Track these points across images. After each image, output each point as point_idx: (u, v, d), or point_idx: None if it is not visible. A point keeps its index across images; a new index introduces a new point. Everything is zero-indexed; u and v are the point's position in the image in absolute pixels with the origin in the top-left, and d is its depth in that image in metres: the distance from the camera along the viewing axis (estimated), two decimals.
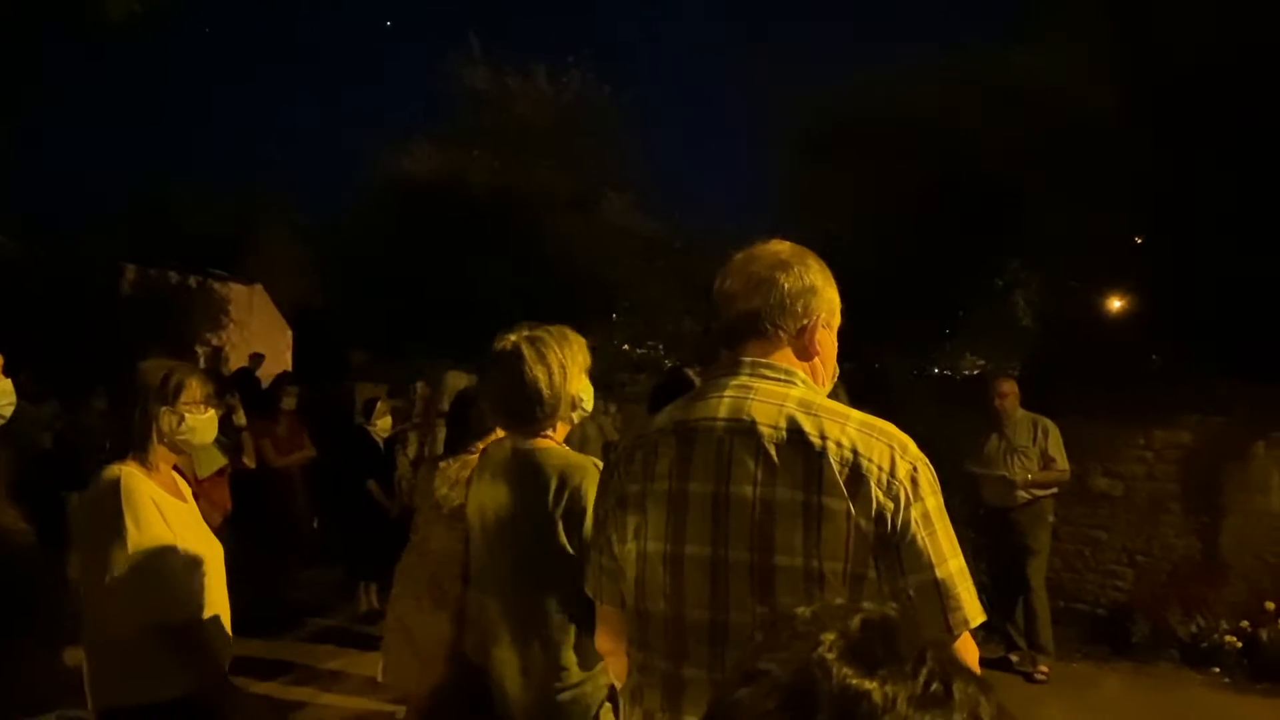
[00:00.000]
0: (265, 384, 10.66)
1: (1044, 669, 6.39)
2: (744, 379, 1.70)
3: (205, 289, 21.14)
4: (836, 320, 1.80)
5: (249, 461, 6.37)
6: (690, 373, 3.28)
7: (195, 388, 2.68)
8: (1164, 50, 8.10)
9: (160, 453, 2.62)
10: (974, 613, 1.55)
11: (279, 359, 21.71)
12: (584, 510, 2.30)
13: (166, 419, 2.61)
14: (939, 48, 10.40)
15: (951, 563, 1.55)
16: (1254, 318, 7.48)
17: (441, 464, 3.55)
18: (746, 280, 1.73)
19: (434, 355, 11.28)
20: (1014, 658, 6.44)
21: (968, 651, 1.59)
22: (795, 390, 1.67)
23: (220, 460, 5.72)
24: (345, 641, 6.81)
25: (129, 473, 2.51)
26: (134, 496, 2.46)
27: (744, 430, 1.62)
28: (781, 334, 1.71)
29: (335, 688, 6.01)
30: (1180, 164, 8.02)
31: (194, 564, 2.57)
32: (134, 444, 2.58)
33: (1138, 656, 6.71)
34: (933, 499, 1.57)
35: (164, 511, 2.51)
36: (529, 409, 2.43)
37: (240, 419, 6.27)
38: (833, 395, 1.81)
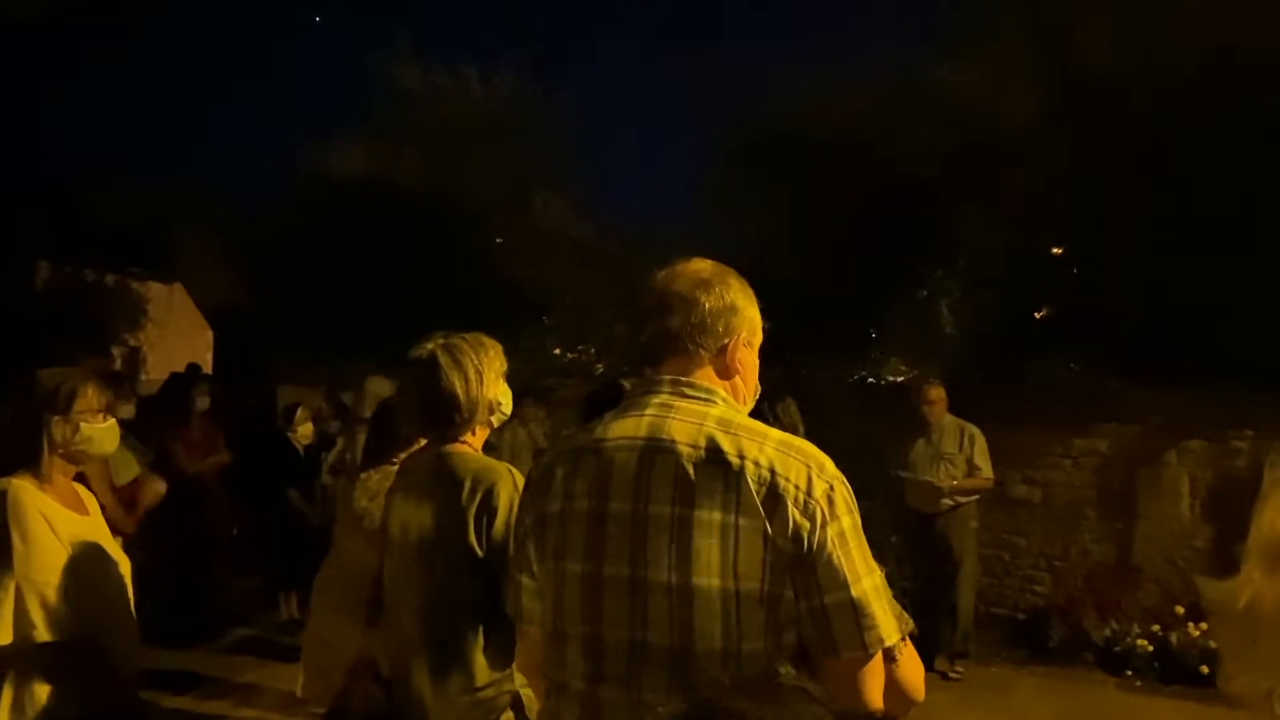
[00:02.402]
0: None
1: (959, 669, 6.52)
2: (665, 397, 1.70)
3: (123, 287, 20.53)
4: (758, 338, 1.80)
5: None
6: (626, 384, 3.27)
7: (92, 396, 2.59)
8: (1080, 64, 8.33)
9: (56, 464, 2.53)
10: (889, 630, 1.56)
11: (199, 360, 21.18)
12: (495, 511, 2.36)
13: (59, 429, 2.52)
14: (865, 59, 10.55)
15: (866, 581, 1.56)
16: (1167, 328, 7.70)
17: (361, 475, 3.49)
18: (668, 298, 1.73)
19: (360, 358, 11.09)
20: (937, 664, 6.54)
21: (911, 671, 1.62)
22: (715, 409, 1.67)
23: (136, 468, 5.53)
24: (264, 653, 6.67)
25: (18, 485, 2.42)
26: (20, 511, 2.37)
27: (663, 449, 1.62)
28: (702, 352, 1.71)
29: (253, 701, 5.88)
30: (1096, 176, 8.24)
31: (90, 579, 2.48)
32: (26, 455, 2.49)
33: (1055, 660, 6.86)
34: (848, 518, 1.58)
35: (56, 526, 2.42)
36: (446, 415, 2.49)
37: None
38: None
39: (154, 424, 6.80)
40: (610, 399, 3.06)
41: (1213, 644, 6.38)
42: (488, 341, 2.58)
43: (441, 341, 2.53)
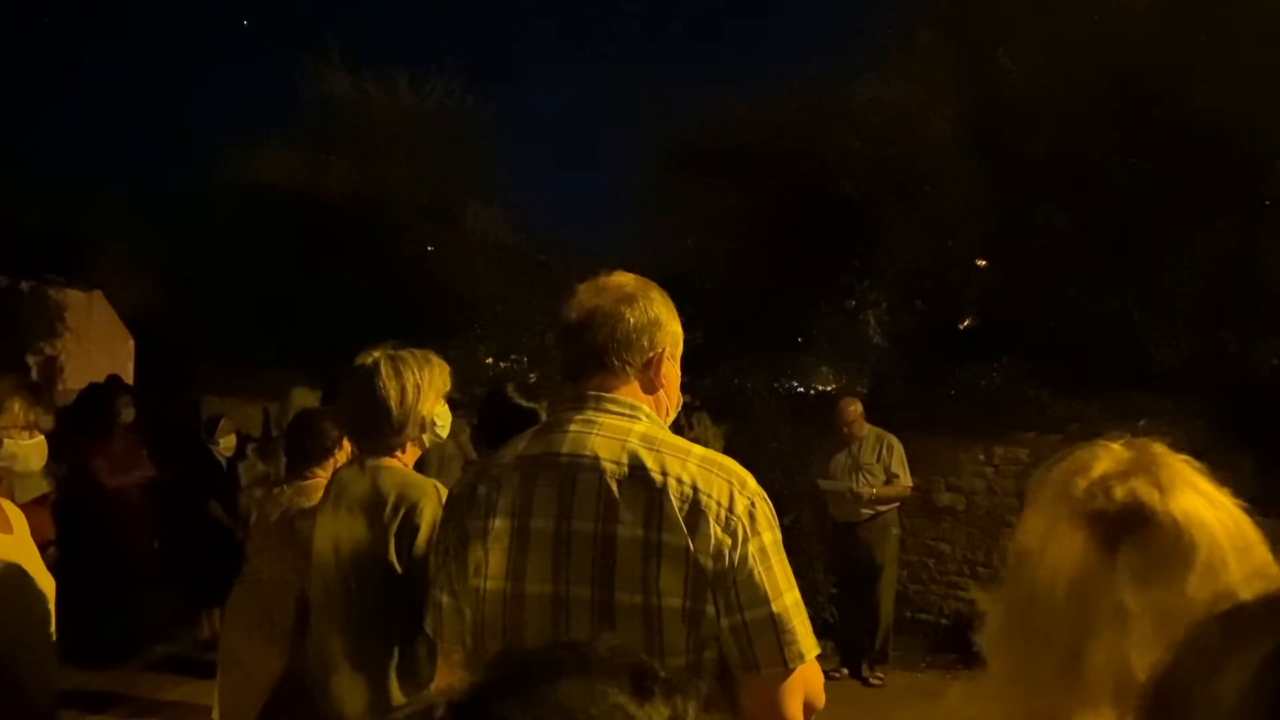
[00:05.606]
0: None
1: (880, 675, 6.65)
2: (588, 414, 1.69)
3: (39, 294, 19.82)
4: (680, 352, 1.81)
5: None
6: (511, 391, 3.26)
7: (18, 411, 2.53)
8: (1000, 82, 8.57)
9: None
10: (809, 646, 1.59)
11: (120, 370, 20.57)
12: (417, 529, 2.35)
13: None
14: (793, 74, 10.70)
15: (787, 596, 1.58)
16: (1085, 338, 7.93)
17: (274, 490, 3.45)
18: (591, 314, 1.72)
19: (286, 367, 10.91)
20: (845, 670, 6.65)
21: (813, 678, 1.63)
22: (639, 425, 1.67)
23: (43, 486, 5.36)
24: (186, 670, 6.52)
25: None
26: None
27: (587, 466, 1.62)
28: (627, 368, 1.71)
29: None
30: (1016, 191, 8.47)
31: (5, 600, 2.41)
32: None
33: (980, 665, 6.99)
34: (769, 534, 1.59)
35: None
36: (378, 425, 2.48)
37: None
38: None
39: (72, 437, 6.60)
40: (503, 416, 3.04)
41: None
42: (435, 360, 2.57)
43: (389, 351, 2.52)
